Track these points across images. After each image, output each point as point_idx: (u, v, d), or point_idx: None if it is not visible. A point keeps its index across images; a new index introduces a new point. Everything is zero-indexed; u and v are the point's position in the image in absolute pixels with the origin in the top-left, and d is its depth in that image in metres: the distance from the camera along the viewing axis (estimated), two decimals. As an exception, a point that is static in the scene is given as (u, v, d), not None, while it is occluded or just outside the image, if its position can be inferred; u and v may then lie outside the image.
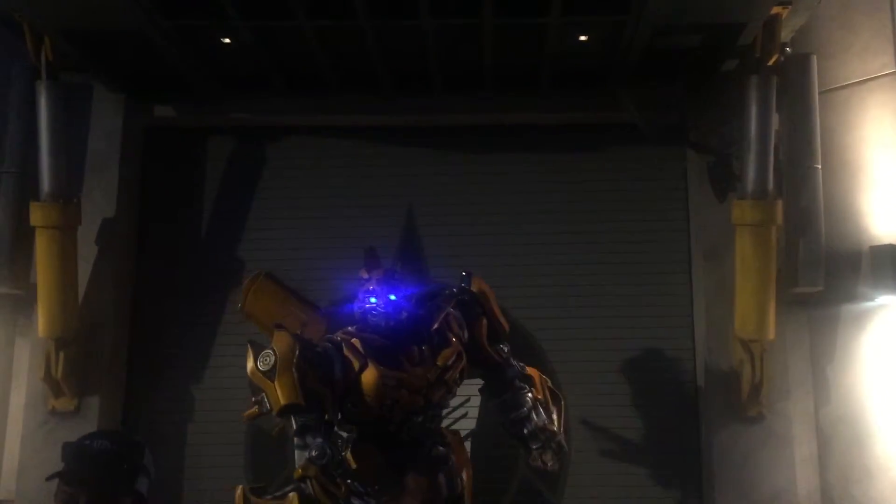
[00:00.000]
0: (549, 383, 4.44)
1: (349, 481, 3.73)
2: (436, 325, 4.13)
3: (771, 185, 5.23)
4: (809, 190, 5.38)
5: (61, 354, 5.55)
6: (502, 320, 4.37)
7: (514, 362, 4.39)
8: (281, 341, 3.73)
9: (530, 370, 4.41)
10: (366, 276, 4.11)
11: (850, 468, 5.34)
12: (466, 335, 4.19)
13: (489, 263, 5.75)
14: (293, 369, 3.65)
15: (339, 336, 3.98)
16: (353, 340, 3.93)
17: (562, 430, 4.34)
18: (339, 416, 3.88)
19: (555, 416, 4.32)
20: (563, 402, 4.41)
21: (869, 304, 5.32)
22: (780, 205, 5.26)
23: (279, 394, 3.62)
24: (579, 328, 6.02)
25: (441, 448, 4.10)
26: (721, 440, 5.55)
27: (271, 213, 6.27)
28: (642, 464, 5.76)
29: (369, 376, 3.85)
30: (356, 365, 3.86)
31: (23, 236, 5.66)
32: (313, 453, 3.66)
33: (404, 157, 6.26)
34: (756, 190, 5.23)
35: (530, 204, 6.17)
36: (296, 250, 6.17)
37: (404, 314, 4.00)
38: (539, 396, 4.31)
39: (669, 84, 5.70)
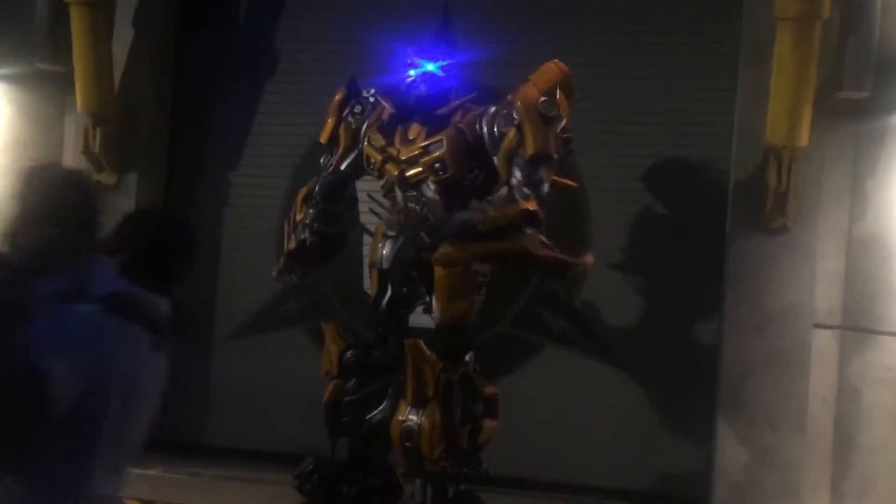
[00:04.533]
0: (521, 216, 3.84)
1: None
2: (444, 111, 4.26)
3: (822, -28, 4.71)
4: (867, -21, 4.83)
5: (98, 130, 5.80)
6: (531, 142, 3.87)
7: (520, 192, 3.87)
8: (339, 92, 4.56)
9: (527, 204, 3.83)
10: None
11: (876, 286, 5.09)
12: (486, 136, 4.09)
13: (521, 61, 5.50)
14: (333, 113, 4.54)
15: (382, 100, 4.45)
16: (385, 105, 4.40)
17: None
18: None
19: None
20: (518, 243, 3.84)
21: (921, 114, 4.86)
22: (829, -4, 4.75)
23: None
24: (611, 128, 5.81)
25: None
26: (742, 250, 5.34)
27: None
28: (663, 269, 5.67)
29: (365, 138, 4.41)
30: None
31: (61, 13, 5.76)
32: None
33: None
34: (803, -22, 4.72)
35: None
36: (336, 34, 6.03)
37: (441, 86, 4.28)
38: (491, 215, 3.87)
39: None
